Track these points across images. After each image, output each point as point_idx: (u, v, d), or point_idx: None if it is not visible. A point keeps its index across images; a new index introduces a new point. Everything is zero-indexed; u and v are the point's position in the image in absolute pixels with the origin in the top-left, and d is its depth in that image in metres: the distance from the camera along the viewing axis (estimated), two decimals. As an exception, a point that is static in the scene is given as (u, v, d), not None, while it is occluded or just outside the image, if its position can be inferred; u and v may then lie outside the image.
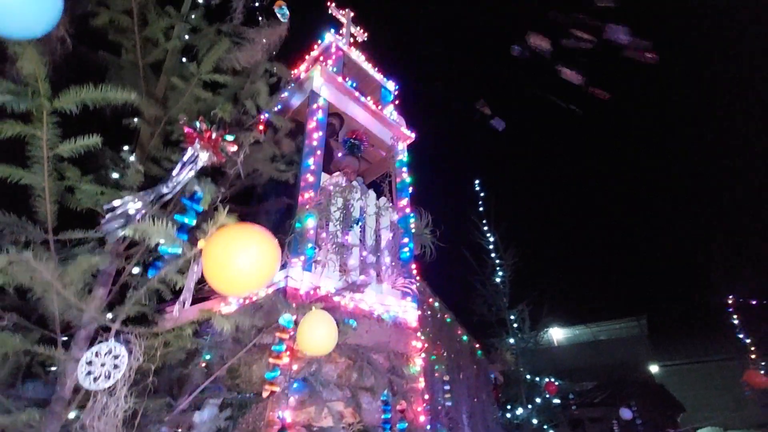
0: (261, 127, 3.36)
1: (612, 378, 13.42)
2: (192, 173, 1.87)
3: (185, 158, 1.76)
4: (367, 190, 4.51)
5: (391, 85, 5.79)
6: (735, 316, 8.16)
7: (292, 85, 4.69)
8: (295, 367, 2.97)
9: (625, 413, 8.20)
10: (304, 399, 2.96)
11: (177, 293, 1.65)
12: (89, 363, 1.25)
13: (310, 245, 3.59)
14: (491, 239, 9.37)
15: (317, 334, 2.15)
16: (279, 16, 3.27)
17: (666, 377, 17.03)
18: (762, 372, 7.32)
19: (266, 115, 3.30)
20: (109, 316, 1.84)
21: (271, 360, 2.63)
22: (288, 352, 2.71)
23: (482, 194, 10.29)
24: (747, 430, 11.60)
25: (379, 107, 5.27)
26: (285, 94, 4.69)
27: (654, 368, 18.20)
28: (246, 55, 2.48)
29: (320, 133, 4.20)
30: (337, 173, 4.45)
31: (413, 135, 5.48)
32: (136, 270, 2.11)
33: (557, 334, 22.75)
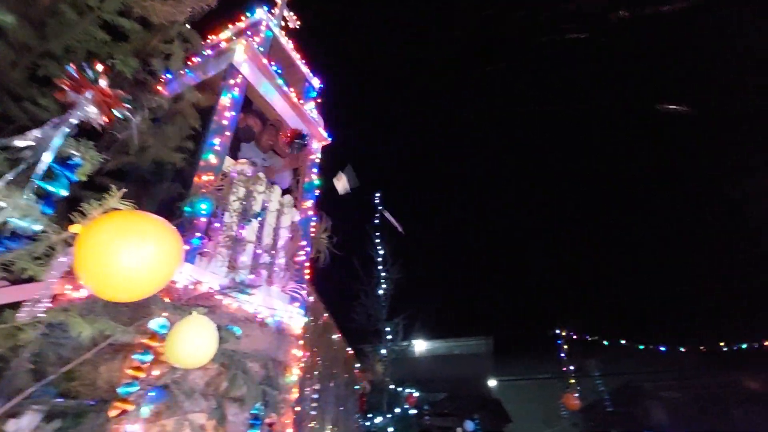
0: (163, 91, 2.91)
1: (461, 390, 14.96)
2: (67, 130, 1.50)
3: (72, 112, 1.40)
4: (273, 186, 4.24)
5: (316, 82, 5.60)
6: (564, 347, 9.99)
7: (210, 52, 4.19)
8: (156, 372, 2.58)
9: (469, 425, 9.24)
10: (160, 410, 2.57)
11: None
12: None
13: (198, 234, 3.20)
14: (381, 252, 9.68)
15: (193, 345, 1.87)
16: None
17: (502, 391, 19.71)
18: (576, 395, 9.07)
19: (175, 82, 2.88)
20: None
21: (130, 371, 2.21)
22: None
23: (380, 208, 10.61)
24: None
25: (301, 101, 5.04)
26: (198, 60, 4.17)
27: (492, 382, 20.90)
28: (166, 10, 2.11)
29: (233, 113, 3.81)
30: (243, 160, 4.09)
31: (329, 139, 5.38)
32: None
33: (419, 346, 24.55)
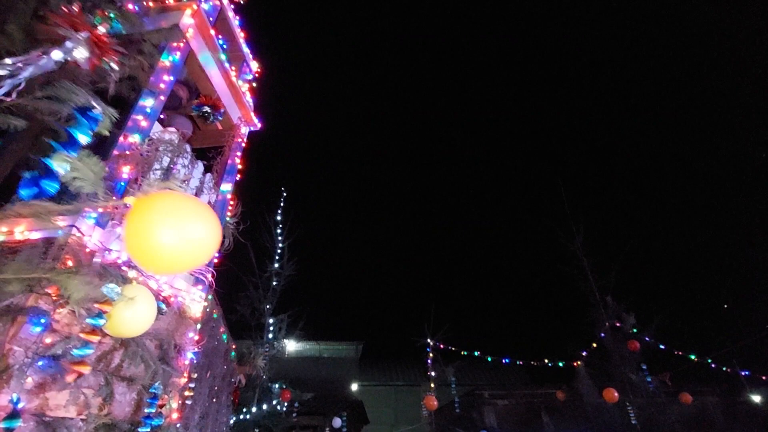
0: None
1: (327, 391, 15.33)
2: (51, 64, 1.44)
3: (65, 47, 1.38)
4: (197, 162, 4.06)
5: (255, 65, 5.49)
6: (430, 355, 11.24)
7: (151, 4, 3.85)
8: (48, 340, 2.32)
9: (336, 422, 9.62)
10: (45, 381, 2.32)
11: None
12: None
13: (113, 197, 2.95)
14: (279, 247, 9.56)
15: (135, 314, 1.83)
16: None
17: (362, 395, 20.71)
18: (434, 398, 10.23)
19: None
20: None
21: (83, 335, 2.00)
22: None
23: (283, 203, 10.49)
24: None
25: (238, 82, 4.90)
26: (135, 8, 3.80)
27: (355, 386, 21.85)
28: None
29: (171, 78, 3.59)
30: (172, 129, 3.84)
31: (260, 125, 5.31)
32: None
33: (292, 345, 24.33)
